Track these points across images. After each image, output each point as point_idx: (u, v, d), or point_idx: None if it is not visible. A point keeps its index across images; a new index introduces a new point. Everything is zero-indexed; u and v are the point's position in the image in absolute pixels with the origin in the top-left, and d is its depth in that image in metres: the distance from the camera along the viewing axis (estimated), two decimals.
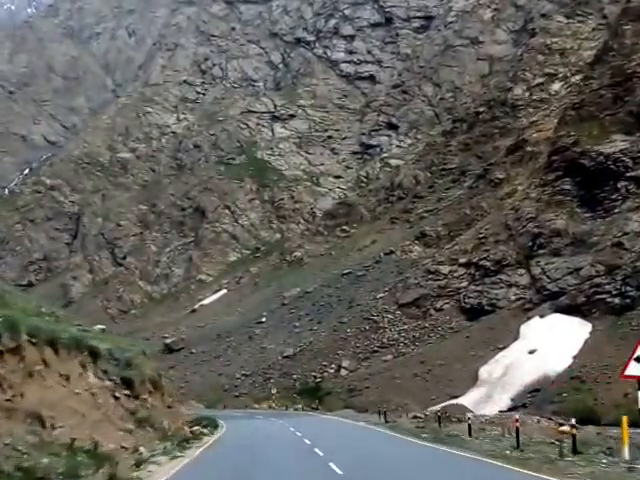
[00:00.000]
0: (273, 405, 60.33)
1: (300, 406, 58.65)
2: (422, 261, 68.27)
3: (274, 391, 60.09)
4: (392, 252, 75.36)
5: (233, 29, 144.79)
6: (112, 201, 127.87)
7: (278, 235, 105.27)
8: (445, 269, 63.52)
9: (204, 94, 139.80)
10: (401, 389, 52.33)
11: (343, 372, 60.49)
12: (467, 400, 46.99)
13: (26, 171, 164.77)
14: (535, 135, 67.93)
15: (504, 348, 50.82)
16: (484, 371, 49.56)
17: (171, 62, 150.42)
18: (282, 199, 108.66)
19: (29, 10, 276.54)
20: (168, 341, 78.04)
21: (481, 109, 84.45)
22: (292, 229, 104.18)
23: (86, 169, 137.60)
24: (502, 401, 46.21)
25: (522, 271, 56.42)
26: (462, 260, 62.63)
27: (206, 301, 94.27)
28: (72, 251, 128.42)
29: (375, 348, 62.17)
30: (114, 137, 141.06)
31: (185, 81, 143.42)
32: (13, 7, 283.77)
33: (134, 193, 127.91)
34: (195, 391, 66.50)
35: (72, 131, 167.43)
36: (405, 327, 62.00)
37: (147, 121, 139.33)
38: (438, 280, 63.07)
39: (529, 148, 67.43)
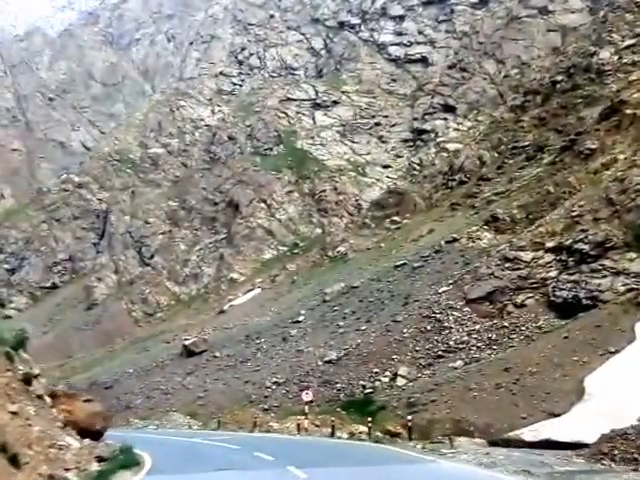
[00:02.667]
0: (306, 424, 41.62)
1: (359, 431, 39.87)
2: (495, 248, 56.45)
3: (308, 398, 44.06)
4: (455, 240, 63.69)
5: (272, 17, 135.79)
6: (141, 198, 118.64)
7: (319, 230, 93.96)
8: (527, 256, 51.63)
9: (240, 85, 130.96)
10: (480, 404, 40.51)
11: (400, 381, 48.75)
12: (571, 419, 34.62)
13: (63, 176, 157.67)
14: (636, 95, 55.82)
15: (616, 352, 38.54)
16: (592, 381, 37.16)
17: (206, 54, 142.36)
18: (324, 191, 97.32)
19: (69, 18, 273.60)
20: (187, 342, 66.81)
21: (558, 78, 72.47)
22: (335, 223, 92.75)
23: (116, 166, 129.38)
24: (621, 419, 33.65)
25: (632, 255, 44.28)
26: (549, 244, 50.71)
27: (237, 301, 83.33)
28: (98, 251, 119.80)
29: (439, 352, 50.47)
30: (146, 133, 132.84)
31: (221, 73, 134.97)
32: (53, 15, 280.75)
33: (164, 189, 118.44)
34: (215, 403, 55.21)
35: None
36: (476, 327, 50.42)
37: (180, 115, 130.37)
38: (518, 269, 51.23)
39: (629, 111, 55.30)
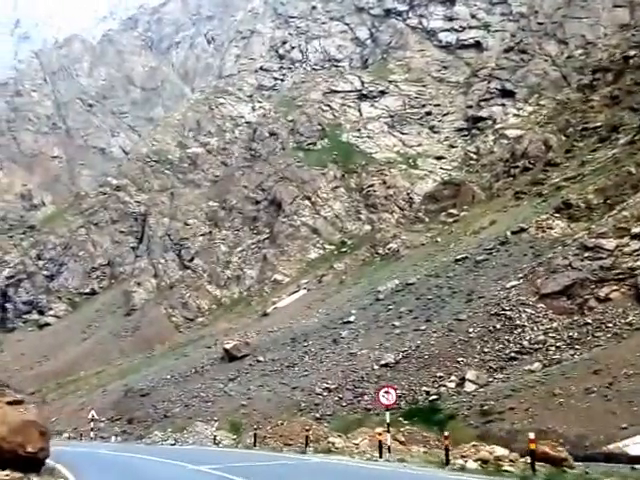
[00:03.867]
0: (388, 441, 27.70)
1: (495, 456, 23.83)
2: (570, 237, 50.14)
3: (388, 401, 28.82)
4: (522, 230, 57.55)
5: (314, 8, 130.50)
6: (180, 199, 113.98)
7: (368, 226, 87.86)
8: (609, 243, 45.56)
9: (282, 80, 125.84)
10: (568, 412, 34.46)
11: (469, 387, 42.77)
12: None
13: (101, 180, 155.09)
14: None
15: None
16: None
17: (246, 50, 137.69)
18: (372, 185, 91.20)
19: (108, 23, 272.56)
20: (228, 346, 61.18)
21: (631, 54, 65.92)
22: (385, 218, 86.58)
23: (154, 167, 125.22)
24: None
25: None
26: (635, 229, 44.33)
27: (281, 303, 77.68)
28: (137, 255, 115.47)
29: (512, 354, 44.46)
30: (184, 133, 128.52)
31: (261, 68, 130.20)
32: (95, 26, 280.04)
33: (204, 189, 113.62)
34: (260, 411, 49.47)
35: None
36: (554, 325, 44.50)
37: (220, 113, 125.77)
38: (600, 259, 45.07)
39: None
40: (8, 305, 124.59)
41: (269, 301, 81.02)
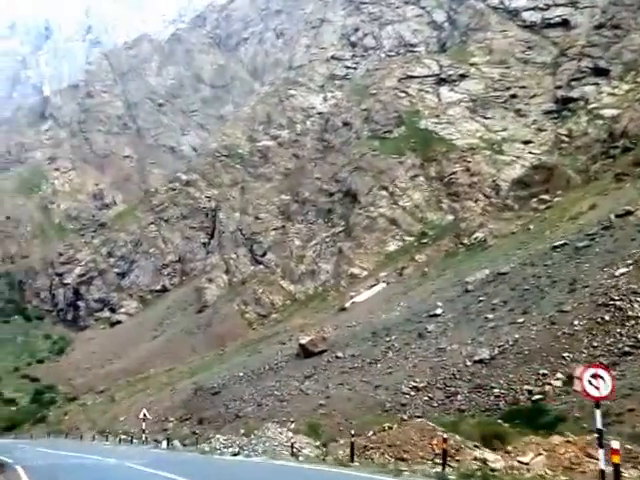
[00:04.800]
0: (602, 463, 15.92)
1: None
2: None
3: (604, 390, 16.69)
4: (629, 213, 51.45)
5: None
6: (251, 193, 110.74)
7: (450, 216, 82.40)
8: None
9: (354, 68, 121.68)
10: None
11: (579, 385, 36.81)
12: None
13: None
14: None
15: None
16: None
17: (316, 40, 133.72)
18: (454, 173, 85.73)
19: (177, 25, 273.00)
20: (304, 341, 56.69)
21: None
22: (469, 207, 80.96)
23: (224, 162, 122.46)
24: None
25: None
26: None
27: (359, 298, 73.01)
28: (208, 251, 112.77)
29: (626, 348, 38.56)
30: (254, 126, 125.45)
31: (333, 57, 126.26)
32: (165, 29, 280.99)
33: (275, 183, 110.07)
34: (341, 411, 44.75)
35: None
36: None
37: (290, 105, 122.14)
38: None
39: None
40: (80, 303, 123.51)
41: (346, 296, 76.51)
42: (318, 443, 32.91)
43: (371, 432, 28.26)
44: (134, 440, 51.18)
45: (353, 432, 26.55)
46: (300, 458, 29.47)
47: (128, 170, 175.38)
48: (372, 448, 26.22)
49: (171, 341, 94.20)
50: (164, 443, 44.50)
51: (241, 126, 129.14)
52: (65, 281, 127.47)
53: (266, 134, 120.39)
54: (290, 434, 34.12)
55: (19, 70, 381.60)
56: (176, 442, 44.45)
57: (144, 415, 49.30)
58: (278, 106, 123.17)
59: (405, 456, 24.30)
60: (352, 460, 25.09)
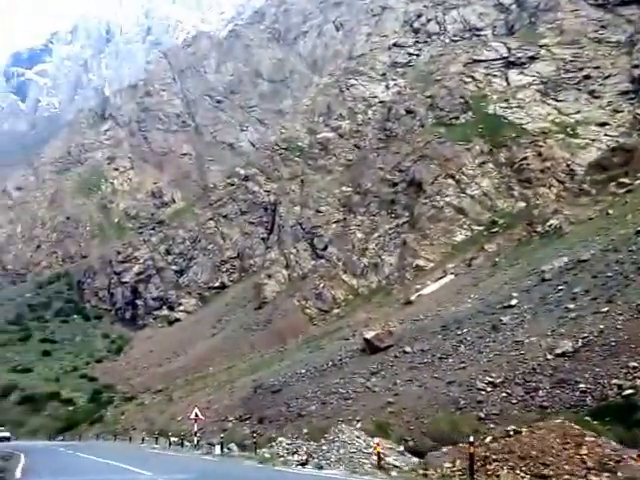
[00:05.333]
0: None
1: None
2: None
3: None
4: None
5: None
6: (311, 186, 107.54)
7: (522, 203, 77.67)
8: None
9: (417, 55, 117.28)
10: None
11: None
12: None
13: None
14: None
15: None
16: None
17: (377, 28, 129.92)
18: (525, 159, 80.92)
19: (235, 20, 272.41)
20: (369, 335, 53.08)
21: None
22: (542, 193, 76.18)
23: (283, 155, 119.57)
24: None
25: None
26: None
27: (426, 290, 69.15)
28: (267, 246, 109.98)
29: None
30: (314, 118, 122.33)
31: (395, 44, 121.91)
32: (223, 28, 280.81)
33: (336, 175, 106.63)
34: (411, 409, 41.09)
35: None
36: None
37: (351, 95, 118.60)
38: None
39: None
40: (138, 302, 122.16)
41: (412, 288, 72.64)
42: (402, 448, 27.38)
43: (489, 438, 21.33)
44: (185, 443, 47.04)
45: (472, 438, 19.82)
46: (393, 473, 22.96)
47: (187, 168, 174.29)
48: (496, 460, 19.48)
49: (230, 338, 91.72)
50: (217, 448, 38.21)
51: (300, 118, 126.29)
52: (123, 280, 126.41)
53: (326, 125, 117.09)
54: (369, 437, 28.10)
55: (81, 74, 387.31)
56: (232, 446, 39.18)
57: (196, 415, 44.13)
58: (338, 96, 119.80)
59: (546, 472, 18.04)
60: (473, 478, 18.97)
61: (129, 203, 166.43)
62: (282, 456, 29.71)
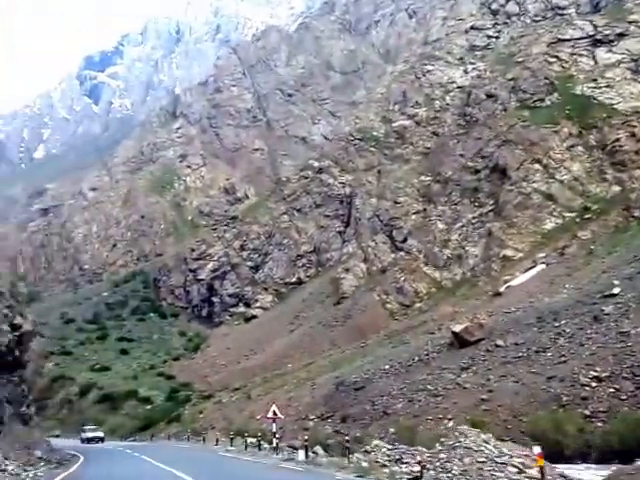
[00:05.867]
0: None
1: None
2: None
3: None
4: None
5: None
6: (388, 177, 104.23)
7: (616, 187, 72.95)
8: None
9: (497, 37, 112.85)
10: None
11: None
12: None
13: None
14: None
15: None
16: None
17: (453, 11, 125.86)
18: (617, 140, 76.12)
19: (304, 14, 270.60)
20: (457, 329, 49.63)
21: None
22: (638, 176, 71.47)
23: (358, 145, 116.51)
24: None
25: None
26: None
27: (515, 281, 65.41)
28: (344, 240, 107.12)
29: None
30: (389, 107, 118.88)
31: (472, 27, 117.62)
32: (293, 23, 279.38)
33: (414, 164, 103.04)
34: (507, 407, 37.73)
35: None
36: None
37: (428, 81, 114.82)
38: None
39: None
40: (214, 299, 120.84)
41: (500, 280, 68.90)
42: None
43: None
44: (263, 445, 42.49)
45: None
46: None
47: (259, 163, 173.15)
48: None
49: (308, 335, 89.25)
50: (301, 453, 32.45)
51: (374, 107, 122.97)
52: (199, 277, 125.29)
53: (402, 114, 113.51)
54: (499, 443, 22.64)
55: (152, 74, 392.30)
56: (318, 449, 33.88)
57: (274, 413, 38.74)
58: (414, 83, 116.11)
59: None
60: None
61: (202, 200, 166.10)
62: (384, 465, 24.21)
